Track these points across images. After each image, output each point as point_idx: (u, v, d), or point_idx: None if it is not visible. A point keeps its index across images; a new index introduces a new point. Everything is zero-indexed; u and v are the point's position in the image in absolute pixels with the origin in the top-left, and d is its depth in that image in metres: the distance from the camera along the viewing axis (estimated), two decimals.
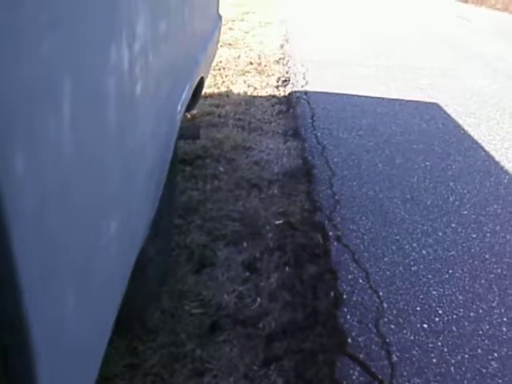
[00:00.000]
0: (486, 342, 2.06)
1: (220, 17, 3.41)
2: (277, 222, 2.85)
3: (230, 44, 7.08)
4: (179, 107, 1.63)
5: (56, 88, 0.76)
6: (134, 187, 1.32)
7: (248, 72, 5.79)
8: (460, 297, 2.30)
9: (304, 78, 5.41)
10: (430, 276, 2.42)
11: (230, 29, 8.10)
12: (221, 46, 7.19)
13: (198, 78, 2.27)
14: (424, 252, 2.60)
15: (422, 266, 2.48)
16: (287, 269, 2.42)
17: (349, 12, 11.34)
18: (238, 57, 6.40)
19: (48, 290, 0.79)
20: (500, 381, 1.88)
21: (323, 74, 5.64)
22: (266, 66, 6.04)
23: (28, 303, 0.69)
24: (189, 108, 2.78)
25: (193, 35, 2.05)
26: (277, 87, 5.27)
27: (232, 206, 3.00)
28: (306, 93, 4.92)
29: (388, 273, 2.41)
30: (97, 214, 1.04)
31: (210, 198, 3.07)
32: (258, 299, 2.23)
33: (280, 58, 6.33)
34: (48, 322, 0.80)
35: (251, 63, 6.13)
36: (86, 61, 0.88)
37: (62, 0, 0.78)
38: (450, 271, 2.46)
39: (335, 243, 2.61)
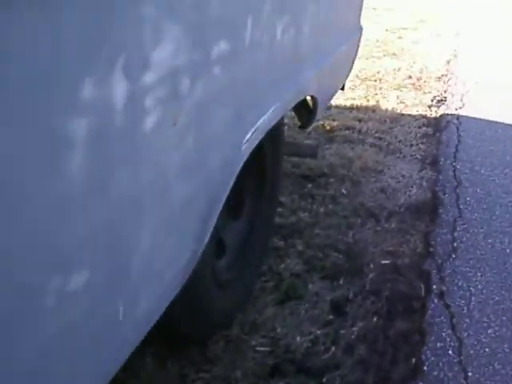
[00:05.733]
0: None
1: (360, 28, 3.19)
2: (383, 262, 2.63)
3: (393, 54, 6.77)
4: (248, 135, 1.49)
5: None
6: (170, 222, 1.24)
7: (404, 87, 5.49)
8: None
9: (461, 100, 4.98)
10: None
11: (400, 37, 7.73)
12: (384, 56, 6.89)
13: (300, 99, 2.07)
14: None
15: None
16: (375, 319, 2.21)
17: None
18: (399, 69, 6.09)
19: None
20: None
21: (485, 97, 5.14)
22: (425, 81, 5.68)
23: None
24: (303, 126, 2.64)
25: (296, 46, 1.85)
26: (429, 107, 4.92)
27: (342, 234, 2.84)
28: (458, 117, 4.52)
29: (487, 349, 2.09)
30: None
31: (320, 222, 2.93)
32: (332, 348, 2.06)
33: (442, 75, 5.90)
34: None
35: (410, 77, 5.80)
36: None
37: None
38: None
39: (435, 300, 2.32)
